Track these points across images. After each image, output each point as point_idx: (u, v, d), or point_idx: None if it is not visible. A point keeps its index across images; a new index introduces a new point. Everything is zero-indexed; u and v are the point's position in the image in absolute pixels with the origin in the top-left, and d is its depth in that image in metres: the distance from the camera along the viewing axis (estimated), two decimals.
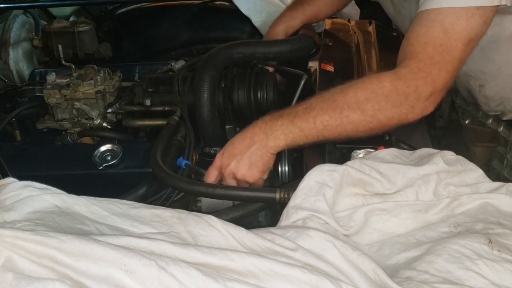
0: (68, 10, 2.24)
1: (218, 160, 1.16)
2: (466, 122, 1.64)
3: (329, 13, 1.66)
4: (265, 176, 1.16)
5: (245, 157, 1.12)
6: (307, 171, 0.98)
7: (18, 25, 1.99)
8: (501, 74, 1.39)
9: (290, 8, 1.64)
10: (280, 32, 1.59)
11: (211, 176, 1.16)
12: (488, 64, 1.37)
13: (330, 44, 1.59)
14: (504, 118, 1.54)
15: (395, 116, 1.07)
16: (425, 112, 1.08)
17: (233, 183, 1.16)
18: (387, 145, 1.15)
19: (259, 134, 1.12)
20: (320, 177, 0.95)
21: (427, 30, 1.07)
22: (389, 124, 1.09)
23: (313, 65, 1.53)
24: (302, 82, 1.33)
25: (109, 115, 1.50)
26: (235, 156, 1.13)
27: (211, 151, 1.33)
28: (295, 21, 1.59)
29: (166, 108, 1.43)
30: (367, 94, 1.07)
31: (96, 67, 1.53)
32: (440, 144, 1.27)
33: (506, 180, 1.37)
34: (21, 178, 0.90)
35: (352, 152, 1.11)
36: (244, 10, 1.98)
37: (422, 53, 1.06)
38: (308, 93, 1.44)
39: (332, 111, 1.07)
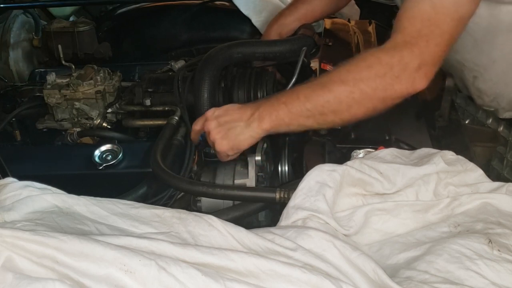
0: (68, 10, 2.24)
1: (208, 113, 1.20)
2: (466, 122, 1.64)
3: (326, 12, 1.66)
4: (231, 153, 1.18)
5: (225, 127, 1.16)
6: (307, 171, 0.98)
7: (18, 25, 1.98)
8: (495, 68, 1.38)
9: (285, 8, 1.65)
10: (273, 32, 1.59)
11: (197, 123, 1.23)
12: (482, 56, 1.37)
13: (330, 44, 1.59)
14: (501, 117, 1.54)
15: (379, 86, 1.05)
16: (416, 85, 1.06)
17: (209, 139, 1.20)
18: (387, 145, 1.15)
19: (248, 115, 1.15)
20: (320, 177, 0.95)
21: (415, 5, 1.07)
22: (376, 96, 1.06)
23: (313, 65, 1.53)
24: (303, 54, 1.32)
25: (109, 115, 1.50)
26: (219, 120, 1.17)
27: (212, 151, 1.33)
28: (287, 20, 1.59)
29: (166, 108, 1.43)
30: (349, 66, 1.08)
31: (96, 67, 1.53)
32: (440, 144, 1.28)
33: (506, 180, 1.37)
34: (21, 178, 0.90)
35: (352, 152, 1.11)
36: (244, 10, 1.98)
37: (409, 27, 1.06)
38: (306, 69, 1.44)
39: (315, 86, 1.10)
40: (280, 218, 0.93)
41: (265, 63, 1.55)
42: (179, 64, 1.53)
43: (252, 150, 1.25)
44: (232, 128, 1.15)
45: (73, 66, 1.52)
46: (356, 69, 1.07)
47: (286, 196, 1.02)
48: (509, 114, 1.51)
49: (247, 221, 1.18)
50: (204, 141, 1.26)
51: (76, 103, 1.46)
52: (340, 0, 1.66)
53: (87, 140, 1.45)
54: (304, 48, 1.34)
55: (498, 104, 1.48)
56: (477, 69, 1.41)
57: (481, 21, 1.27)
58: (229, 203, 1.21)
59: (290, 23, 1.58)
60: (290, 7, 1.62)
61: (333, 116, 1.09)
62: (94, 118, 1.47)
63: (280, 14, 1.62)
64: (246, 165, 1.27)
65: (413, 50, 1.04)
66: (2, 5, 1.88)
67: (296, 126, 1.12)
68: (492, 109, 1.53)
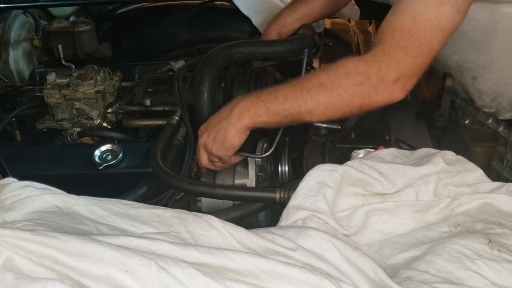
0: (68, 10, 2.24)
1: (199, 130, 1.25)
2: (466, 122, 1.64)
3: (325, 12, 1.66)
4: (229, 153, 1.19)
5: (213, 133, 1.19)
6: (307, 171, 0.98)
7: (18, 25, 1.98)
8: (494, 67, 1.39)
9: (284, 8, 1.65)
10: (272, 32, 1.60)
11: (199, 149, 1.25)
12: (480, 56, 1.38)
13: (330, 44, 1.59)
14: (501, 117, 1.53)
15: (356, 94, 1.06)
16: (393, 97, 1.07)
17: (204, 155, 1.23)
18: (387, 145, 1.15)
19: (227, 112, 1.18)
20: (320, 177, 0.95)
21: (397, 18, 1.08)
22: (353, 103, 1.08)
23: (313, 65, 1.53)
24: (306, 56, 1.32)
25: (109, 115, 1.50)
26: (207, 130, 1.21)
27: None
28: (287, 20, 1.60)
29: (166, 108, 1.43)
30: (328, 72, 1.10)
31: (96, 67, 1.53)
32: (440, 144, 1.27)
33: (506, 180, 1.36)
34: (21, 178, 0.90)
35: (352, 152, 1.11)
36: (244, 10, 1.98)
37: (390, 39, 1.07)
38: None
39: (295, 86, 1.12)
40: (280, 218, 0.93)
41: (265, 63, 1.55)
42: (179, 64, 1.53)
43: (252, 150, 1.25)
44: (218, 130, 1.18)
45: (73, 66, 1.52)
46: (335, 74, 1.09)
47: (286, 196, 1.02)
48: (510, 114, 1.51)
49: (247, 221, 1.18)
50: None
51: (76, 103, 1.46)
52: (339, 0, 1.66)
53: (87, 140, 1.45)
54: (306, 50, 1.35)
55: (499, 103, 1.48)
56: (476, 69, 1.42)
57: (478, 22, 1.27)
58: (229, 203, 1.21)
59: (290, 23, 1.59)
60: (289, 7, 1.63)
61: (309, 116, 1.11)
62: (94, 118, 1.47)
63: (280, 14, 1.62)
64: (246, 165, 1.27)
65: (390, 62, 1.05)
66: (2, 5, 1.88)
67: (274, 124, 1.14)
68: (493, 110, 1.52)
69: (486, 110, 1.55)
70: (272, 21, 1.62)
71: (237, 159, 1.24)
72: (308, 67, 1.35)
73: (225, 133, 1.16)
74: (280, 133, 1.21)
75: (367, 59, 1.08)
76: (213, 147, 1.19)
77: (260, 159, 1.25)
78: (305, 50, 1.35)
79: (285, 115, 1.11)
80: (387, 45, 1.07)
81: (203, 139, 1.21)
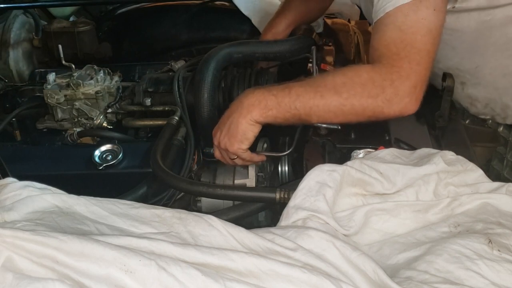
0: (68, 10, 2.24)
1: (213, 132, 1.23)
2: (466, 122, 1.63)
3: (311, 15, 1.67)
4: (243, 146, 1.18)
5: (225, 128, 1.18)
6: (307, 171, 0.98)
7: (18, 25, 1.98)
8: (479, 72, 1.39)
9: (274, 17, 1.67)
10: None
11: (215, 151, 1.24)
12: (464, 61, 1.39)
13: (330, 44, 1.59)
14: (501, 122, 1.53)
15: (369, 106, 1.07)
16: (406, 110, 1.08)
17: (224, 154, 1.21)
18: (387, 145, 1.15)
19: (236, 104, 1.17)
20: (320, 177, 0.95)
21: (384, 34, 1.10)
22: (364, 114, 1.09)
23: (310, 66, 1.53)
24: (314, 53, 1.33)
25: (109, 115, 1.50)
26: (219, 128, 1.20)
27: (211, 151, 1.33)
28: (279, 28, 1.61)
29: (166, 108, 1.43)
30: (344, 79, 1.10)
31: (96, 67, 1.53)
32: (440, 144, 1.28)
33: (506, 180, 1.36)
34: (21, 178, 0.90)
35: (352, 152, 1.11)
36: (244, 10, 1.98)
37: (387, 52, 1.08)
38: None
39: (309, 86, 1.11)
40: (280, 218, 0.93)
41: (270, 64, 1.55)
42: (179, 64, 1.54)
43: (252, 150, 1.25)
44: (230, 124, 1.17)
45: (73, 66, 1.52)
46: (351, 83, 1.08)
47: (286, 196, 1.02)
48: (509, 120, 1.50)
49: (247, 221, 1.18)
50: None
51: (76, 103, 1.46)
52: (323, 1, 1.66)
53: (87, 140, 1.45)
54: (313, 47, 1.35)
55: (493, 110, 1.48)
56: (462, 75, 1.42)
57: (456, 30, 1.28)
58: (229, 203, 1.21)
59: (283, 30, 1.61)
60: (278, 16, 1.64)
61: (316, 119, 1.12)
62: (94, 118, 1.47)
63: (271, 25, 1.64)
64: (246, 165, 1.27)
65: (400, 73, 1.06)
66: (2, 5, 1.88)
67: (282, 120, 1.14)
68: (489, 117, 1.52)
69: (482, 117, 1.55)
70: (266, 31, 1.64)
71: (262, 158, 1.24)
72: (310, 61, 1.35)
73: (237, 125, 1.15)
74: (299, 131, 1.21)
75: (380, 70, 1.08)
76: (227, 143, 1.18)
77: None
78: (313, 47, 1.35)
79: (294, 113, 1.11)
80: (390, 57, 1.08)
81: (217, 138, 1.20)
